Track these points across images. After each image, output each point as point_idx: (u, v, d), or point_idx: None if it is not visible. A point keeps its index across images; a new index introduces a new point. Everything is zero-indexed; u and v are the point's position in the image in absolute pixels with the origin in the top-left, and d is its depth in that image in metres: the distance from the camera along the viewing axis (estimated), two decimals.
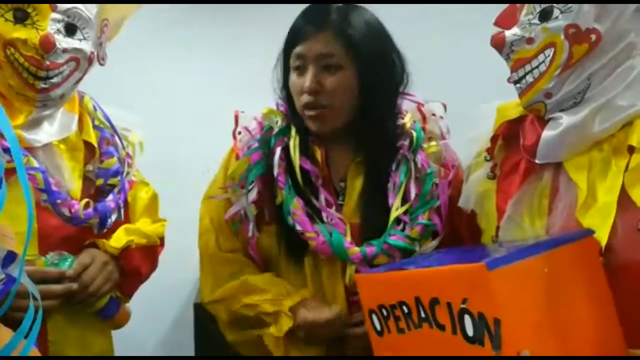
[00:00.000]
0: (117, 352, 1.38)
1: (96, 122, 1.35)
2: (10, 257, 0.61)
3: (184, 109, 2.20)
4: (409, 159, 1.26)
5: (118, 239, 1.29)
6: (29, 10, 1.17)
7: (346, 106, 1.25)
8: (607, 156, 0.98)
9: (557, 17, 0.99)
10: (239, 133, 1.33)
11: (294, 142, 1.26)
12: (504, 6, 1.09)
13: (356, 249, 1.19)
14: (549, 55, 1.00)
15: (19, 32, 1.16)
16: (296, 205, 1.21)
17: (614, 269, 0.91)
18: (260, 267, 1.31)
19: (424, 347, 0.87)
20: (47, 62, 1.17)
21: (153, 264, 1.42)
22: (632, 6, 0.97)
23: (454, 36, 2.31)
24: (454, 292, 0.82)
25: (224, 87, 2.29)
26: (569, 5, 0.98)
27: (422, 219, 1.22)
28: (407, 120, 1.31)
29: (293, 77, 1.27)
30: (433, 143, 1.31)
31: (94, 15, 1.25)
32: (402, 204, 1.23)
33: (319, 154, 1.27)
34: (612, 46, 0.99)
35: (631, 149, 0.95)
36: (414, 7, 2.33)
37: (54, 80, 1.20)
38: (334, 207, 1.24)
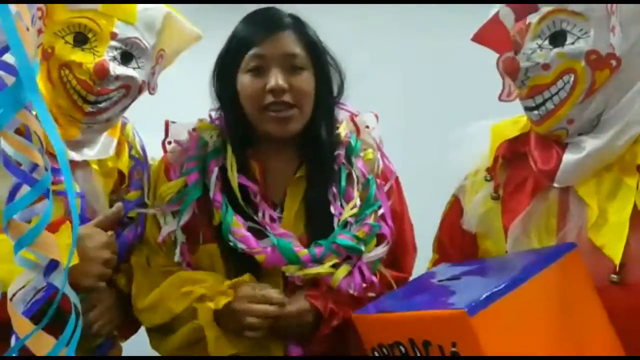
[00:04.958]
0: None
1: (133, 152, 1.35)
2: (53, 265, 0.62)
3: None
4: (347, 167, 1.24)
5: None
6: (89, 35, 1.19)
7: (308, 110, 1.21)
8: (616, 176, 0.98)
9: (573, 42, 0.97)
10: (169, 143, 1.29)
11: (230, 161, 1.21)
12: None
13: (305, 250, 1.15)
14: (568, 82, 0.98)
15: (76, 55, 1.18)
16: (236, 224, 1.16)
17: (629, 286, 0.92)
18: None
19: None
20: (98, 88, 1.19)
21: None
22: None
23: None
24: (442, 336, 0.81)
25: None
26: (584, 29, 0.97)
27: (369, 220, 1.19)
28: (341, 129, 1.29)
29: (246, 78, 1.19)
30: (369, 150, 1.30)
31: (151, 45, 1.26)
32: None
33: (257, 170, 1.23)
34: (627, 68, 0.97)
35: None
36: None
37: (102, 105, 1.21)
38: (276, 222, 1.19)
